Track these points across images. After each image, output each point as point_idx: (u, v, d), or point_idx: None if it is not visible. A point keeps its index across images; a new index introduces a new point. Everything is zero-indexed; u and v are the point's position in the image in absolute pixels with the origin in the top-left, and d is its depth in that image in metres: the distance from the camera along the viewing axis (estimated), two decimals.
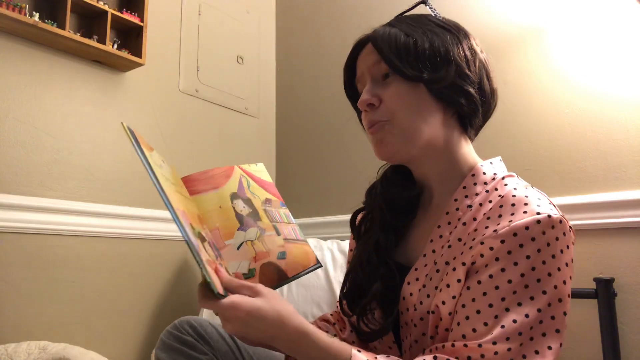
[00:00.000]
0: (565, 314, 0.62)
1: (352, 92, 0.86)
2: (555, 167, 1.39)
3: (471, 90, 0.74)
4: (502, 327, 0.60)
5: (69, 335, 1.40)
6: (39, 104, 1.42)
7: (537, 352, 0.59)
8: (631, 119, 1.29)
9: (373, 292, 0.76)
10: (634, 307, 1.22)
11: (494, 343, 0.60)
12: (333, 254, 1.63)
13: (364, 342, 0.83)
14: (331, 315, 0.96)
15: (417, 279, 0.72)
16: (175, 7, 1.84)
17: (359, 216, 0.91)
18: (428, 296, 0.70)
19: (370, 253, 0.80)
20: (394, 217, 0.82)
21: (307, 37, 2.15)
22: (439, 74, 0.72)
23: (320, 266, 0.87)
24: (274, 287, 0.80)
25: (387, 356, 0.65)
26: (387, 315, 0.75)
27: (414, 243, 0.79)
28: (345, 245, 1.65)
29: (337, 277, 1.56)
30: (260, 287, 0.63)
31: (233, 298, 0.59)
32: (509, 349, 0.59)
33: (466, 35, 0.78)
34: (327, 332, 0.89)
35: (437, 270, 0.70)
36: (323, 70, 2.05)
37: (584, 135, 1.36)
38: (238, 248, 0.81)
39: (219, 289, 0.60)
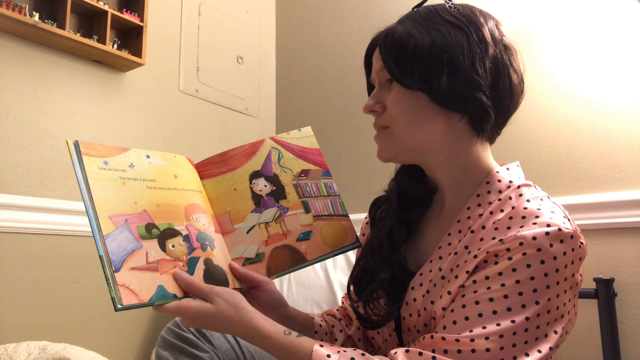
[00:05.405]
0: (549, 324, 0.61)
1: (370, 87, 0.85)
2: (555, 167, 1.39)
3: (479, 95, 0.69)
4: (484, 327, 0.60)
5: (69, 335, 1.40)
6: (39, 104, 1.42)
7: (515, 359, 0.59)
8: (631, 120, 1.29)
9: (381, 279, 0.75)
10: (634, 307, 1.22)
11: (472, 340, 0.59)
12: None
13: (368, 329, 0.83)
14: (337, 310, 0.96)
15: (421, 284, 0.72)
16: (175, 7, 1.84)
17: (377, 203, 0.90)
18: (432, 302, 0.69)
19: (383, 241, 0.79)
20: (404, 210, 0.81)
21: (307, 37, 2.15)
22: (437, 83, 0.68)
23: (360, 245, 0.83)
24: (285, 272, 0.80)
25: (355, 349, 0.65)
26: (392, 303, 0.75)
27: (424, 246, 0.78)
28: None
29: (337, 277, 1.56)
30: (217, 290, 0.68)
31: (180, 302, 0.67)
32: (488, 349, 0.59)
33: (478, 27, 0.71)
34: (332, 326, 0.89)
35: (442, 277, 0.69)
36: (323, 70, 2.05)
37: (584, 135, 1.36)
38: (248, 232, 0.79)
39: (120, 302, 0.63)
